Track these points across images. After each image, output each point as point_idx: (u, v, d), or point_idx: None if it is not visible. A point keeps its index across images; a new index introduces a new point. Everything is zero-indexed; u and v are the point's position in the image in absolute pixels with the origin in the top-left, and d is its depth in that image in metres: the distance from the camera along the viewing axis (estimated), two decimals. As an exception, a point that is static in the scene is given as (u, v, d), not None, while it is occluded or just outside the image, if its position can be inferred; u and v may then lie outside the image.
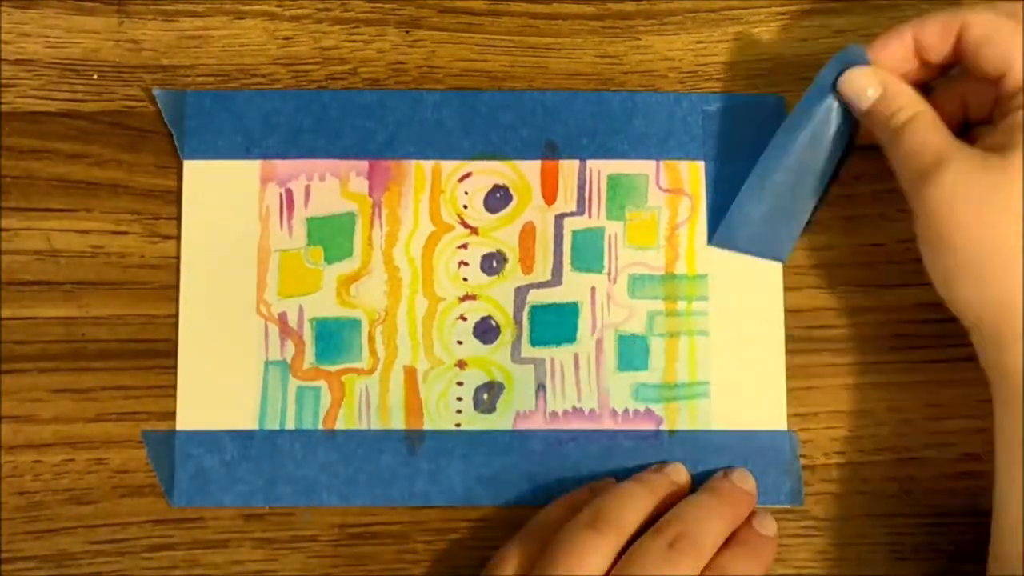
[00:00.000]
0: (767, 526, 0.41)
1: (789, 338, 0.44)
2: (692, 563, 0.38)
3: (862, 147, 0.45)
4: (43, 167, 0.44)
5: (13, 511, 0.43)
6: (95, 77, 0.45)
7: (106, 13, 0.46)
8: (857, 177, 0.45)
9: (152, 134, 0.45)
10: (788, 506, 0.43)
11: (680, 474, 0.42)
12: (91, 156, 0.45)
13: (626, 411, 0.44)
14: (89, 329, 0.44)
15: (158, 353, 0.43)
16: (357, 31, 0.46)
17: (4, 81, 0.45)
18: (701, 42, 0.46)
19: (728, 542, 0.40)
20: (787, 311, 0.44)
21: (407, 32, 0.46)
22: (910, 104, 0.39)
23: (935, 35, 0.40)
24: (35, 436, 0.43)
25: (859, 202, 0.45)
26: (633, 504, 0.40)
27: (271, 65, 0.45)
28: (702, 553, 0.38)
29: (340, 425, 0.43)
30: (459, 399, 0.44)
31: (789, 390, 0.44)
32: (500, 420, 0.43)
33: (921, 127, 0.39)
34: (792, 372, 0.44)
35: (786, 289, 0.44)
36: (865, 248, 0.45)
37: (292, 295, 0.44)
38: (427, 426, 0.43)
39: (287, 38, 0.46)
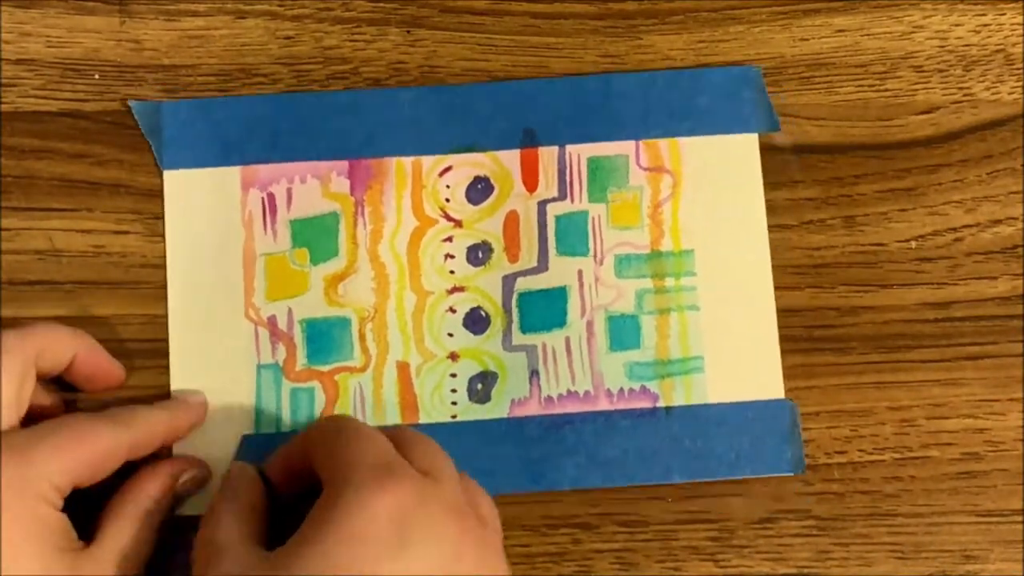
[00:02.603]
0: (190, 395, 0.42)
1: (789, 338, 0.44)
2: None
3: (862, 147, 0.45)
4: (44, 167, 0.44)
5: (15, 510, 0.43)
6: (96, 77, 0.45)
7: (107, 13, 0.46)
8: (857, 177, 0.45)
9: (153, 134, 0.45)
10: (792, 474, 0.43)
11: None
12: (92, 156, 0.45)
13: (621, 391, 0.44)
14: (90, 329, 0.43)
15: (159, 353, 0.43)
16: (359, 31, 0.46)
17: (5, 81, 0.45)
18: (702, 41, 0.46)
19: None
20: (787, 311, 0.44)
21: (408, 32, 0.46)
22: None
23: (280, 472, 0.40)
24: (37, 436, 0.43)
25: (859, 202, 0.45)
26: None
27: (272, 65, 0.45)
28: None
29: None
30: (453, 391, 0.44)
31: (790, 390, 0.44)
32: (496, 409, 0.43)
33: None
34: (792, 372, 0.44)
35: (786, 289, 0.44)
36: (865, 248, 0.45)
37: (280, 298, 0.44)
38: (423, 420, 0.43)
39: (288, 38, 0.46)
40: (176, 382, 0.43)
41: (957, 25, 0.46)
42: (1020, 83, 0.46)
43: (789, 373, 0.44)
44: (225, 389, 0.43)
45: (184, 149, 0.44)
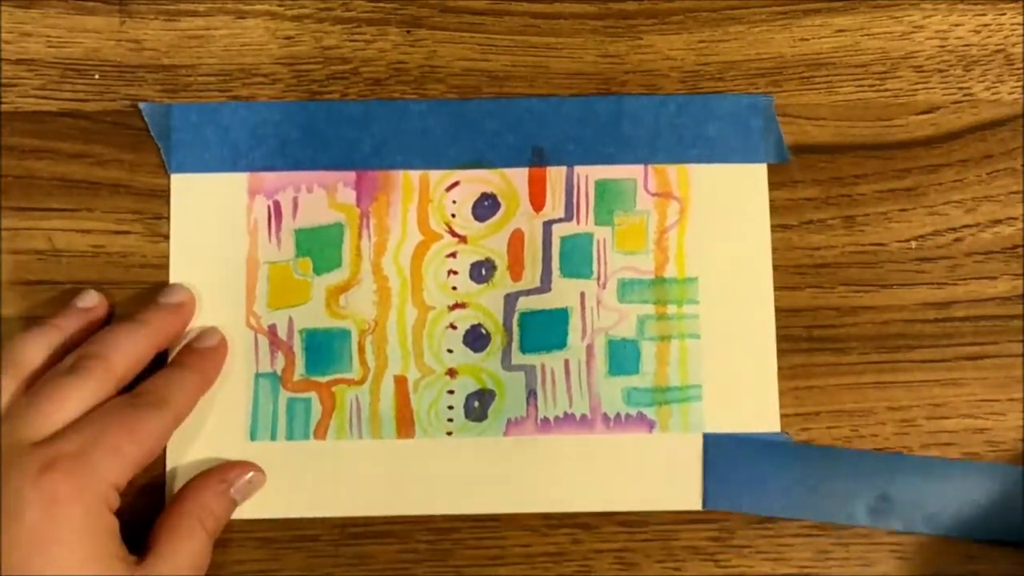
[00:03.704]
0: (206, 338, 0.42)
1: (789, 338, 0.44)
2: (98, 377, 0.38)
3: (862, 147, 0.45)
4: (44, 167, 0.44)
5: (15, 510, 0.43)
6: (96, 77, 0.45)
7: (107, 13, 0.46)
8: (857, 177, 0.45)
9: (153, 134, 0.45)
10: None
11: (87, 298, 0.42)
12: (92, 156, 0.45)
13: (618, 416, 0.43)
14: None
15: (159, 355, 0.43)
16: (359, 31, 0.46)
17: (5, 81, 0.45)
18: (703, 41, 0.46)
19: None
20: (787, 311, 0.44)
21: (408, 32, 0.46)
22: None
23: None
24: (37, 436, 0.43)
25: (859, 202, 0.45)
26: (33, 341, 0.40)
27: (272, 65, 0.45)
28: (109, 368, 0.39)
29: (331, 436, 0.43)
30: (450, 408, 0.44)
31: (790, 390, 0.44)
32: (492, 428, 0.43)
33: None
34: (792, 372, 0.44)
35: (786, 289, 0.44)
36: (865, 248, 0.45)
37: (281, 306, 0.44)
38: (419, 435, 0.43)
39: (288, 38, 0.46)
40: None
41: (957, 25, 0.46)
42: (1020, 83, 0.46)
43: (789, 373, 0.44)
44: (221, 396, 0.43)
45: (192, 153, 0.44)
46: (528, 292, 0.44)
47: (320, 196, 0.44)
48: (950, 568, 0.43)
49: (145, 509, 0.42)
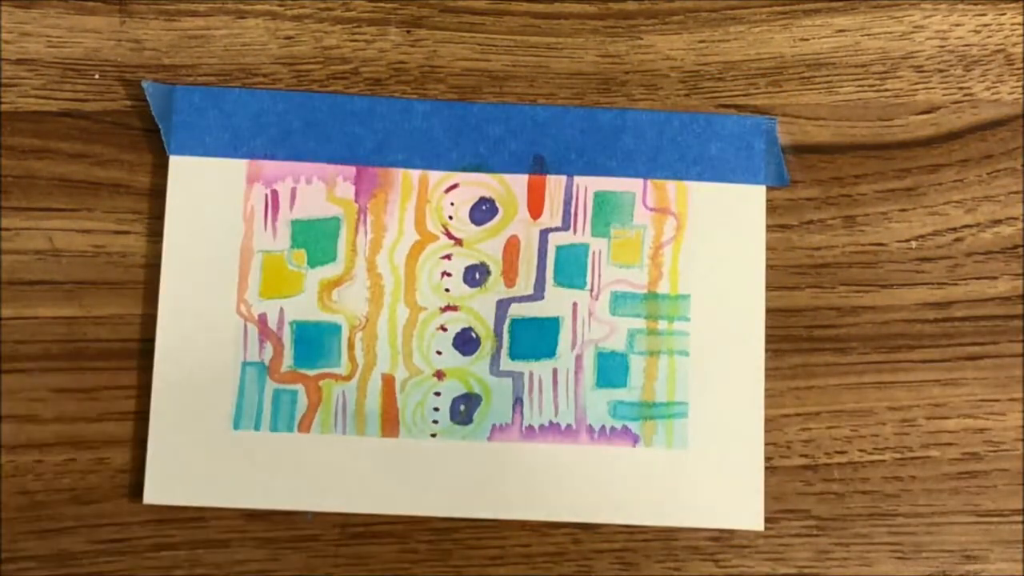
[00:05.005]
0: None
1: (789, 338, 0.44)
2: None
3: (862, 147, 0.45)
4: (45, 167, 0.44)
5: (15, 511, 0.43)
6: (97, 77, 0.45)
7: (108, 13, 0.46)
8: (857, 177, 0.45)
9: (153, 133, 0.45)
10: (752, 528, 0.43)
11: None
12: (93, 156, 0.45)
13: (603, 428, 0.43)
14: (90, 329, 0.44)
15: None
16: (359, 31, 0.46)
17: (6, 81, 0.45)
18: (703, 41, 0.46)
19: None
20: (787, 311, 0.44)
21: (408, 32, 0.46)
22: None
23: None
24: (37, 436, 0.43)
25: (859, 202, 0.45)
26: None
27: (273, 65, 0.45)
28: None
29: (315, 430, 0.43)
30: (436, 409, 0.44)
31: (790, 390, 0.44)
32: (476, 432, 0.43)
33: None
34: (792, 372, 0.44)
35: (786, 289, 0.44)
36: (865, 248, 0.45)
37: (273, 296, 0.44)
38: (402, 435, 0.43)
39: (289, 37, 0.46)
40: (160, 369, 0.43)
41: (957, 25, 0.46)
42: (1020, 83, 0.46)
43: (789, 373, 0.44)
44: (207, 382, 0.43)
45: (192, 136, 0.44)
46: (521, 299, 0.44)
47: (319, 188, 0.45)
48: (950, 568, 0.43)
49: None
